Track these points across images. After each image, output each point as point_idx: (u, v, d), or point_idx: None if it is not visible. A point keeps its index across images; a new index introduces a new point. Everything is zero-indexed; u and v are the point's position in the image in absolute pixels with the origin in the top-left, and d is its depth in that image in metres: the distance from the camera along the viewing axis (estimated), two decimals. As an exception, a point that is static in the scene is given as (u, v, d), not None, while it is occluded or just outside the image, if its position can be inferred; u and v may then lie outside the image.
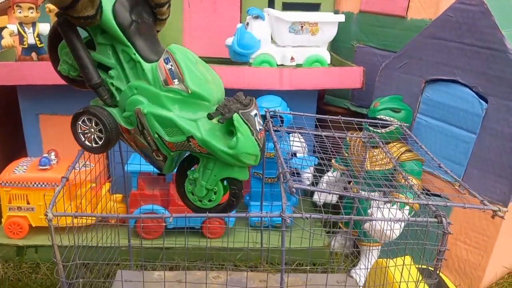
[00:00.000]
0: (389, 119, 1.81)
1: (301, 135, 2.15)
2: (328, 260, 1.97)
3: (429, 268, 1.19)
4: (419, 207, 1.79)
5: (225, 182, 1.16)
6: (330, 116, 1.44)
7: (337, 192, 1.04)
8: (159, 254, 1.96)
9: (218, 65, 2.02)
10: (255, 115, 1.03)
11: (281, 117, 1.96)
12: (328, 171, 2.11)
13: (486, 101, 1.70)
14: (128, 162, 2.00)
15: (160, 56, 1.05)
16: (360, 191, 1.95)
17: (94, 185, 2.03)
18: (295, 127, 1.43)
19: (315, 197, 2.16)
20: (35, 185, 1.94)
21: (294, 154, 2.10)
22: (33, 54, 2.07)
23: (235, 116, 1.00)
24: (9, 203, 1.96)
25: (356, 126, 1.43)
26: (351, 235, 1.98)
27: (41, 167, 1.96)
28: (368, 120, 1.50)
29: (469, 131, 1.78)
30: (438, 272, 0.97)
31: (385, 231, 1.70)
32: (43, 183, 1.94)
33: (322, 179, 2.15)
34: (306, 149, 2.06)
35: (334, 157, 1.73)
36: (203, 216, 1.66)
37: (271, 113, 1.41)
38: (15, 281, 1.81)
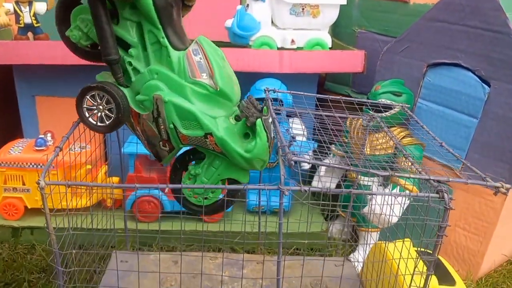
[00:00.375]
0: (390, 103, 1.78)
1: (301, 121, 2.13)
2: (326, 245, 1.95)
3: (428, 251, 1.18)
4: (419, 191, 1.77)
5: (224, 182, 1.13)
6: (331, 96, 1.42)
7: (337, 166, 1.02)
8: (155, 238, 1.94)
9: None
10: (272, 122, 1.04)
11: (280, 100, 1.94)
12: (327, 153, 2.08)
13: (489, 85, 1.68)
14: (125, 143, 1.98)
15: (186, 46, 1.01)
16: (360, 176, 1.93)
17: (90, 167, 2.00)
18: (295, 108, 1.40)
19: (314, 183, 2.14)
20: (30, 166, 1.92)
21: (293, 138, 2.08)
22: (29, 34, 2.04)
23: (258, 121, 0.99)
24: (4, 184, 1.94)
25: (357, 107, 1.40)
26: (349, 220, 1.96)
27: (37, 148, 1.93)
28: (369, 101, 1.47)
29: (470, 115, 1.76)
30: (438, 249, 0.95)
31: (384, 215, 1.69)
32: (39, 164, 1.92)
33: (320, 167, 2.13)
34: (306, 132, 2.03)
35: (334, 142, 1.71)
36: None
37: (270, 92, 1.38)
38: (10, 262, 1.79)
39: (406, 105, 1.44)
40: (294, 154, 0.92)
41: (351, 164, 2.05)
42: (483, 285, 1.87)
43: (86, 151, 1.79)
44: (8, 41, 1.99)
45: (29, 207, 1.98)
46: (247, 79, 1.97)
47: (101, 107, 1.03)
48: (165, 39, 0.98)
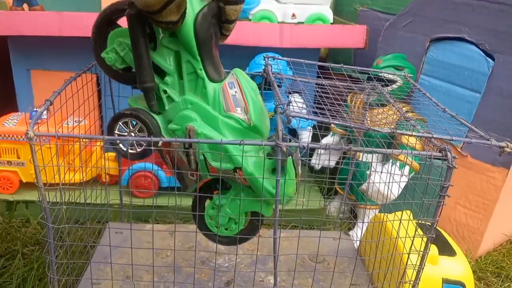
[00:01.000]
0: (392, 76, 1.75)
1: (300, 97, 2.10)
2: (323, 221, 1.93)
3: (428, 223, 1.15)
4: (419, 168, 1.75)
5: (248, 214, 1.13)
6: (332, 64, 1.38)
7: (336, 123, 0.99)
8: (150, 213, 1.92)
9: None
10: (299, 159, 1.02)
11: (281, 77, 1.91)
12: (328, 128, 2.06)
13: (493, 59, 1.65)
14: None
15: (222, 77, 1.01)
16: (359, 153, 1.90)
17: (86, 141, 1.97)
18: (296, 75, 1.36)
19: (313, 161, 2.11)
20: (25, 139, 1.88)
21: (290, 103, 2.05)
22: (25, 5, 2.00)
23: (289, 159, 0.96)
24: (-1, 157, 1.91)
25: (359, 76, 1.37)
26: (347, 197, 1.94)
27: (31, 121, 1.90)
28: (371, 69, 1.43)
29: (473, 90, 1.72)
30: (440, 211, 0.93)
31: (384, 189, 1.66)
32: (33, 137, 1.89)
33: (320, 143, 2.11)
34: (305, 106, 2.00)
35: (335, 116, 1.68)
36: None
37: (270, 59, 1.35)
38: (4, 235, 1.77)
39: (409, 75, 1.41)
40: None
41: (351, 140, 2.04)
42: (483, 263, 1.85)
43: (83, 125, 1.76)
44: (2, 11, 1.95)
45: (24, 181, 1.95)
46: (246, 53, 1.94)
47: (133, 134, 1.02)
48: (203, 71, 0.97)
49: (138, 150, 1.04)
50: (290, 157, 0.96)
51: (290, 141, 0.89)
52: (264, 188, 0.98)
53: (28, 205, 1.92)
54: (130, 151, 1.04)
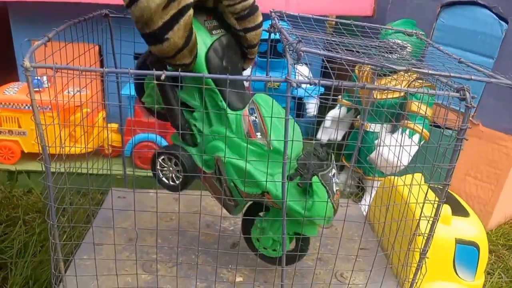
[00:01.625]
0: (402, 42, 1.70)
1: (307, 67, 2.05)
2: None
3: (440, 187, 1.11)
4: (429, 135, 1.70)
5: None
6: (340, 20, 1.33)
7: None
8: (154, 183, 1.88)
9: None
10: (333, 175, 1.00)
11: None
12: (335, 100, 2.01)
13: (507, 22, 1.60)
14: (124, 85, 1.91)
15: (245, 104, 1.05)
16: (367, 123, 1.86)
17: (88, 110, 1.94)
18: (306, 29, 1.31)
19: (319, 135, 2.07)
20: (26, 107, 1.85)
21: (298, 85, 2.01)
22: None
23: (314, 178, 0.97)
24: (0, 126, 1.88)
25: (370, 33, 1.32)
26: (354, 169, 1.90)
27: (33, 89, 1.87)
28: (383, 26, 1.39)
29: (486, 56, 1.67)
30: (457, 155, 0.88)
31: (392, 160, 1.62)
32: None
33: (327, 116, 2.06)
34: (311, 75, 1.96)
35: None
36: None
37: (277, 13, 1.30)
38: (6, 203, 1.74)
39: (420, 32, 1.36)
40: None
41: (359, 111, 1.99)
42: (494, 236, 1.81)
43: (86, 94, 1.73)
44: (2, -23, 1.91)
45: (25, 151, 1.92)
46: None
47: (171, 168, 1.11)
48: (223, 102, 1.02)
49: (178, 182, 1.12)
50: (316, 176, 0.96)
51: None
52: (293, 210, 0.99)
53: (30, 175, 1.89)
54: (171, 183, 1.13)
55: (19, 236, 1.54)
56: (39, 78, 1.91)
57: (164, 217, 1.45)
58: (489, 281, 1.56)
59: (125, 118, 1.93)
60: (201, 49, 0.97)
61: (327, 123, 2.04)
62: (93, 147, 1.96)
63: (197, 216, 1.45)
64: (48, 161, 0.96)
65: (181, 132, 1.03)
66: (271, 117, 0.93)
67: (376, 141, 1.78)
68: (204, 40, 0.99)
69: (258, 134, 1.02)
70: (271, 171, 0.99)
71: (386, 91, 1.80)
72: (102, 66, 2.18)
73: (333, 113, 2.08)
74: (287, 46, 0.89)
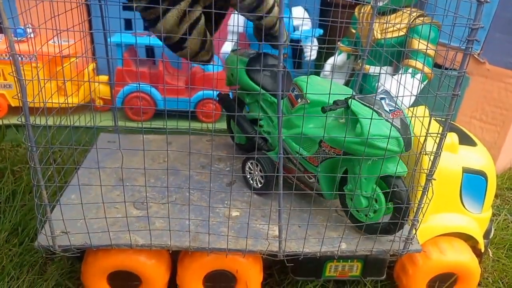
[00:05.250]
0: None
1: (304, 10, 1.96)
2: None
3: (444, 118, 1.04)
4: (433, 75, 1.62)
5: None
6: None
7: None
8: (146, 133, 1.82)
9: None
10: (382, 98, 0.99)
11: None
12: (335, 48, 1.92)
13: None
14: (114, 34, 1.82)
15: (288, 89, 1.21)
16: (368, 66, 1.78)
17: (76, 60, 1.86)
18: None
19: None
20: (10, 58, 1.76)
21: (296, 28, 1.92)
22: None
23: (352, 101, 0.97)
24: (-16, 78, 1.80)
25: None
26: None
27: (17, 39, 1.77)
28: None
29: (493, -13, 1.58)
30: (468, 60, 0.81)
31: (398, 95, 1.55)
32: (19, 56, 1.77)
33: (326, 63, 1.98)
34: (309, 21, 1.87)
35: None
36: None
37: None
38: (-6, 158, 1.68)
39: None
40: None
41: (360, 54, 1.90)
42: (499, 180, 1.75)
43: (74, 45, 1.64)
44: None
45: (12, 105, 1.85)
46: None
47: (256, 172, 1.25)
48: (272, 97, 1.25)
49: (260, 185, 1.25)
50: (352, 99, 0.97)
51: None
52: (349, 142, 0.97)
53: (18, 129, 1.82)
54: (256, 186, 1.25)
55: (7, 186, 1.48)
56: (22, 27, 1.81)
57: (157, 159, 1.39)
58: (496, 220, 1.51)
59: (114, 68, 1.85)
60: (241, 64, 1.27)
61: (327, 69, 1.96)
62: (82, 100, 1.89)
63: (191, 156, 1.39)
64: (28, 116, 0.92)
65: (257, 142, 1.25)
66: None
67: (377, 84, 1.70)
68: (240, 60, 1.28)
69: (299, 99, 1.17)
70: (318, 122, 1.07)
71: (387, 29, 1.72)
72: (89, 21, 2.08)
73: (333, 60, 1.99)
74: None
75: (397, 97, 1.45)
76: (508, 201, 1.66)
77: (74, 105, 1.58)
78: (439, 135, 0.93)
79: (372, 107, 0.96)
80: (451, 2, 0.91)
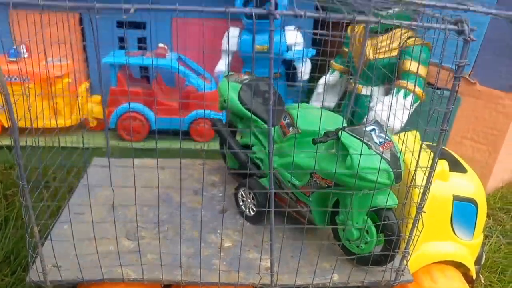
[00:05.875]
0: (394, -2, 1.62)
1: (298, 31, 1.97)
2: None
3: (433, 144, 1.05)
4: (424, 95, 1.63)
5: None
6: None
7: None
8: (139, 156, 1.82)
9: None
10: (372, 130, 1.00)
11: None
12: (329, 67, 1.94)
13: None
14: (108, 55, 1.82)
15: (281, 118, 1.24)
16: (360, 86, 1.79)
17: (70, 80, 1.86)
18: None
19: (312, 102, 2.00)
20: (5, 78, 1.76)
21: (289, 48, 1.93)
22: None
23: (342, 134, 0.98)
24: (-23, 100, 1.79)
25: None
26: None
27: (10, 59, 1.78)
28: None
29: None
30: (456, 90, 0.82)
31: (386, 122, 1.56)
32: (13, 77, 1.77)
33: (319, 82, 1.99)
34: (302, 39, 1.88)
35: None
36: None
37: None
38: (-14, 180, 1.67)
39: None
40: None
41: (352, 74, 1.92)
42: (492, 199, 1.76)
43: (66, 64, 1.65)
44: None
45: (6, 126, 1.84)
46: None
47: (249, 200, 1.25)
48: (264, 124, 1.25)
49: (252, 214, 1.24)
50: (342, 131, 0.97)
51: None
52: (340, 174, 0.97)
53: (12, 150, 1.81)
54: (248, 214, 1.25)
55: (-1, 211, 1.48)
56: (15, 47, 1.82)
57: (151, 185, 1.39)
58: (488, 242, 1.52)
59: (107, 89, 1.85)
60: (232, 92, 1.28)
61: (319, 88, 1.97)
62: (75, 120, 1.89)
63: (184, 182, 1.39)
64: (17, 137, 0.91)
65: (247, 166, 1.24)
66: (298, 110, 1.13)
67: (371, 104, 1.72)
68: (233, 87, 1.29)
69: (290, 128, 1.18)
70: (309, 153, 1.05)
71: (379, 51, 1.73)
72: (83, 35, 2.08)
73: (325, 79, 2.00)
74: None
75: (387, 124, 1.46)
76: (500, 221, 1.68)
77: (71, 123, 1.57)
78: (428, 169, 0.94)
79: (362, 139, 0.97)
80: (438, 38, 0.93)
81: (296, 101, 2.04)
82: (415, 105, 1.63)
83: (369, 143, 0.97)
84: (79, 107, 1.86)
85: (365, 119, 1.70)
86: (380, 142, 0.98)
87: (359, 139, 0.97)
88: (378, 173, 0.93)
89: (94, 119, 1.95)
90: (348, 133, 0.98)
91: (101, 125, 1.98)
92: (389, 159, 0.97)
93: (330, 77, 1.98)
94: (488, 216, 1.69)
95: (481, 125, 1.71)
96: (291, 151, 1.10)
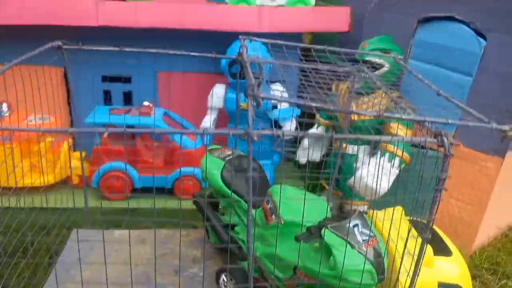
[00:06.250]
0: (379, 61, 1.63)
1: (283, 87, 1.97)
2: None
3: (423, 221, 1.04)
4: (410, 160, 1.63)
5: None
6: (316, 46, 1.25)
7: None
8: (122, 218, 1.77)
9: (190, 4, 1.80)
10: (355, 226, 0.98)
11: (259, 65, 1.77)
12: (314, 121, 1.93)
13: (485, 39, 1.54)
14: (91, 113, 1.79)
15: (263, 199, 1.21)
16: (346, 145, 1.78)
17: (53, 139, 1.82)
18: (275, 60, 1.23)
19: (298, 157, 1.99)
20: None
21: (275, 107, 1.92)
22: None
23: (324, 231, 0.96)
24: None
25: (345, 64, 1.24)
26: (333, 192, 1.81)
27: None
28: (356, 51, 1.31)
29: (464, 73, 1.61)
30: (437, 206, 0.80)
31: (371, 185, 1.54)
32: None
33: (303, 140, 1.98)
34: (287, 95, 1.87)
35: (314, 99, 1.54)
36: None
37: (246, 40, 1.21)
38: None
39: (398, 56, 1.28)
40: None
41: (337, 130, 1.91)
42: (478, 260, 1.75)
43: (49, 123, 1.62)
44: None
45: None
46: (223, 39, 1.79)
47: (231, 285, 1.24)
48: (245, 204, 1.21)
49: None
50: (325, 228, 0.94)
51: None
52: (323, 274, 0.95)
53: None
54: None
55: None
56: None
57: (132, 261, 1.34)
58: (475, 310, 1.50)
59: (91, 147, 1.81)
60: (214, 170, 1.27)
61: (305, 143, 1.96)
62: (58, 179, 1.84)
63: (165, 259, 1.35)
64: None
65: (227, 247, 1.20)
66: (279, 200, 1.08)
67: (355, 165, 1.71)
68: (215, 163, 1.29)
69: (273, 216, 1.14)
70: (293, 246, 1.01)
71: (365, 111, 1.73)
72: (68, 91, 2.05)
73: (311, 133, 1.99)
74: (249, 89, 0.80)
75: (372, 188, 1.44)
76: (486, 283, 1.66)
77: (53, 181, 1.50)
78: (411, 273, 0.92)
79: (346, 238, 0.95)
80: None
81: (282, 156, 2.03)
82: (401, 167, 1.62)
83: (352, 242, 0.95)
84: (60, 166, 1.82)
85: (351, 180, 1.69)
86: (363, 240, 0.97)
87: (342, 238, 0.95)
88: (362, 275, 0.91)
89: (78, 176, 1.90)
90: (331, 231, 0.96)
91: (81, 183, 1.94)
92: (373, 259, 0.95)
93: (316, 132, 1.98)
94: (474, 277, 1.67)
95: (466, 186, 1.71)
96: (274, 240, 1.08)
